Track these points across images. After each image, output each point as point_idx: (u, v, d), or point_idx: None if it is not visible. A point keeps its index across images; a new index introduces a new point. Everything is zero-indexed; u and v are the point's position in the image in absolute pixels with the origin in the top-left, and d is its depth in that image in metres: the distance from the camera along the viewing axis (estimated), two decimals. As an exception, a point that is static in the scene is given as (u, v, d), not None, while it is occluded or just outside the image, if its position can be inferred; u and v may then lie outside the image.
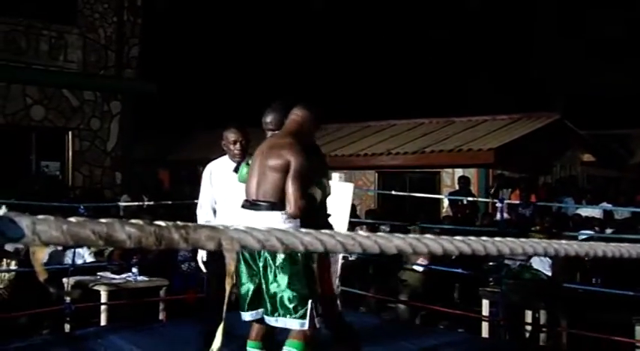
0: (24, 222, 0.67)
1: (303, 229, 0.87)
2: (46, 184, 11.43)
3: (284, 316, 3.69)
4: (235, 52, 20.48)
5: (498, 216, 8.85)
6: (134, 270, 6.74)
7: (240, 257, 3.81)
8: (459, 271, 7.08)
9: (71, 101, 12.46)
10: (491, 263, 7.21)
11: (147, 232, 0.72)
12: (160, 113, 16.21)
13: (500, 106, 14.86)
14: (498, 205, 7.55)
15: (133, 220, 0.73)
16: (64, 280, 6.42)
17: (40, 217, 0.69)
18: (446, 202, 11.69)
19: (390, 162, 12.46)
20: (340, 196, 6.88)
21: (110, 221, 0.71)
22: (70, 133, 12.41)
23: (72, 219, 0.71)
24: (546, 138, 12.91)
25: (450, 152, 12.15)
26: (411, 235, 0.98)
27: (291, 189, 3.63)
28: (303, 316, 3.68)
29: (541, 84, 20.02)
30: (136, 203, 7.89)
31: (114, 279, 6.72)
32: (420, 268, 7.39)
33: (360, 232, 0.92)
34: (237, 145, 4.54)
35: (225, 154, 4.70)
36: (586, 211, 10.22)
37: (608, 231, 9.07)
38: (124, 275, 6.79)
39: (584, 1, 21.57)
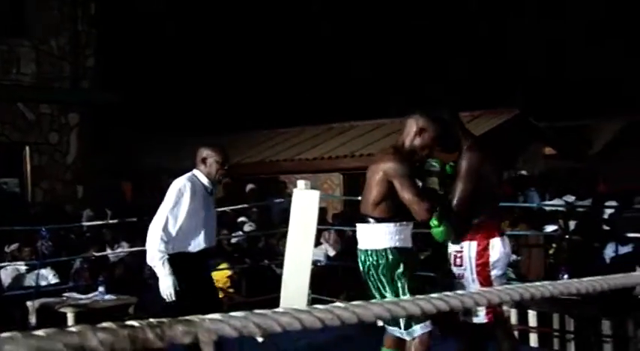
0: (-10, 344, 0.64)
1: (281, 309, 0.86)
2: (5, 201, 11.18)
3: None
4: (198, 56, 20.30)
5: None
6: (101, 289, 6.63)
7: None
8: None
9: (27, 115, 12.22)
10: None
11: (120, 336, 0.69)
12: (120, 122, 15.97)
13: (462, 100, 14.97)
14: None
15: (104, 324, 0.71)
16: (29, 303, 6.29)
17: (6, 335, 0.65)
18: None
19: (354, 164, 12.48)
20: (306, 203, 6.85)
21: (81, 329, 0.68)
22: (27, 147, 12.17)
23: (40, 332, 0.68)
24: (508, 133, 13.06)
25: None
26: (388, 300, 0.97)
27: (406, 196, 3.57)
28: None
29: (501, 74, 20.16)
30: (100, 222, 7.71)
31: (80, 299, 6.59)
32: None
33: (338, 304, 0.91)
34: (225, 166, 4.36)
35: (190, 171, 4.29)
36: (550, 204, 10.35)
37: (572, 223, 9.20)
38: (90, 295, 6.67)
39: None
